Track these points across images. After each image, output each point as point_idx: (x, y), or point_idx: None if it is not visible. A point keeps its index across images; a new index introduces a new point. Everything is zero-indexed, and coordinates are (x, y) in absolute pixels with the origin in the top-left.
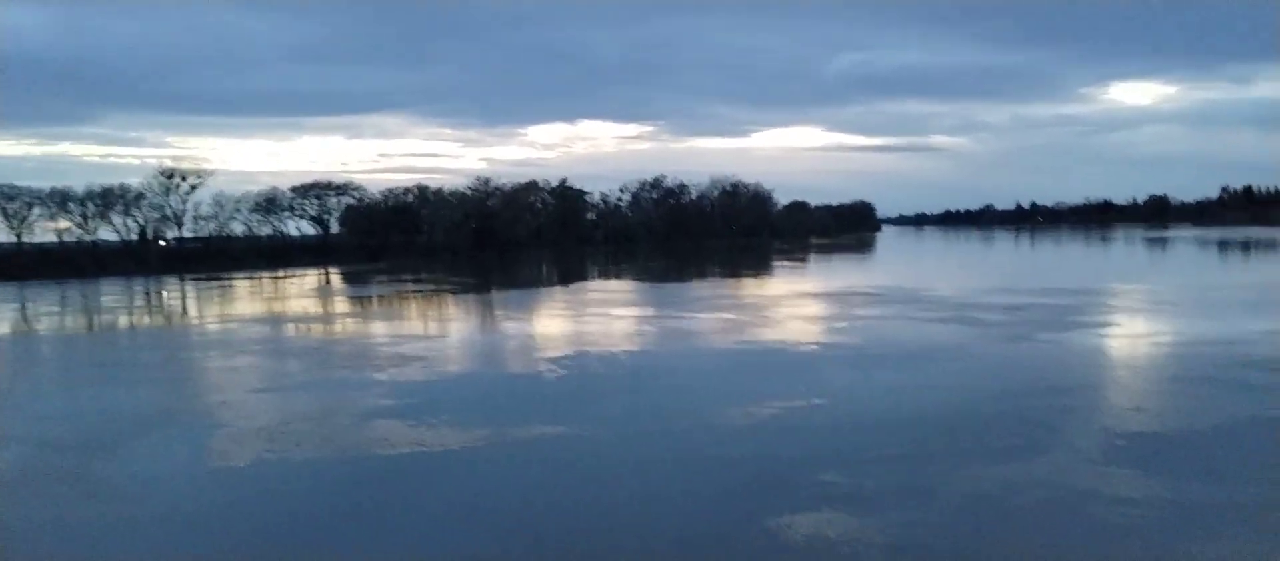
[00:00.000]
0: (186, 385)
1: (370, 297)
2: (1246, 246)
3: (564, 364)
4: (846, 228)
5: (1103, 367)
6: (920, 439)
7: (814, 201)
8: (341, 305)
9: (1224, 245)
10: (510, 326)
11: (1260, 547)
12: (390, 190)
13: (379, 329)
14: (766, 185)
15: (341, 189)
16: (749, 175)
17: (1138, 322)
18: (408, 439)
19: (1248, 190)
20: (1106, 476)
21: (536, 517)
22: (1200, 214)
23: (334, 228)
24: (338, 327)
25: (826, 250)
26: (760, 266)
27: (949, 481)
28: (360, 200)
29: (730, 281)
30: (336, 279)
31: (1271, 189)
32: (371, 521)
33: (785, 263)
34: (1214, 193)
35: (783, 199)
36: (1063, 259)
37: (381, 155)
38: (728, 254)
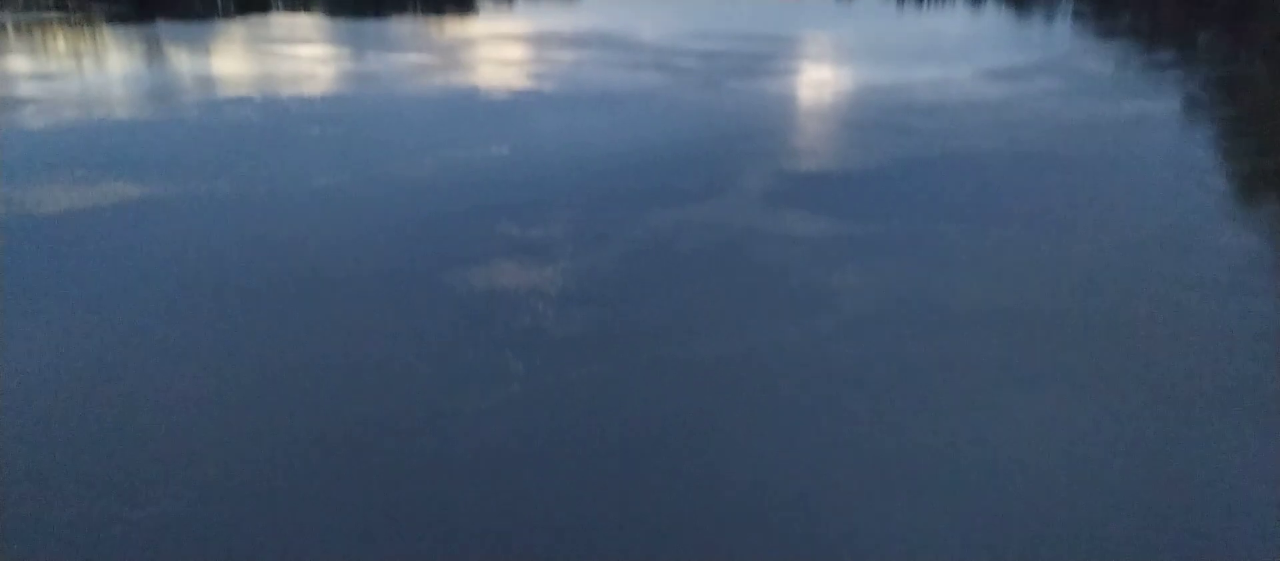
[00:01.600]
0: None
1: None
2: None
3: (225, 111)
4: None
5: (783, 113)
6: (601, 185)
7: None
8: None
9: None
10: (166, 65)
11: (910, 270)
12: None
13: None
14: None
15: None
16: None
17: (820, 70)
18: None
19: None
20: (773, 216)
21: (185, 283)
22: None
23: None
24: None
25: None
26: (464, 4)
27: (623, 226)
28: None
29: (432, 19)
30: None
31: None
32: None
33: (491, 1)
34: None
35: None
36: (758, 3)
37: None
38: None
